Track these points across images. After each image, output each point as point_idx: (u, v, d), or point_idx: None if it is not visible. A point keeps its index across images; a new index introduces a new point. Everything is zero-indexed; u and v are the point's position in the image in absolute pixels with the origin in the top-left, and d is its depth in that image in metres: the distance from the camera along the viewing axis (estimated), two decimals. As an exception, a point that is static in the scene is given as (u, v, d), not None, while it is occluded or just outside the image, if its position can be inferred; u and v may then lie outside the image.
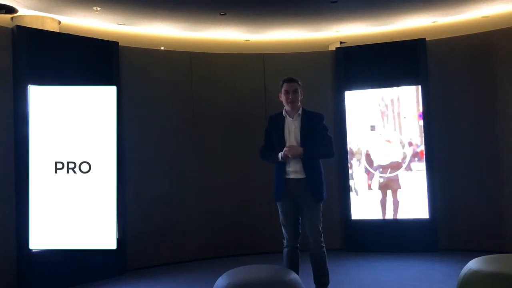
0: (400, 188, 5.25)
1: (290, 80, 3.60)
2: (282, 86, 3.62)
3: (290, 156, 3.48)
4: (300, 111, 3.62)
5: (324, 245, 3.62)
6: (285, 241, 3.67)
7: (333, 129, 5.11)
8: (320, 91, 5.48)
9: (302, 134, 3.56)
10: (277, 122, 3.65)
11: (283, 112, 3.65)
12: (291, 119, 3.61)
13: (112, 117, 4.29)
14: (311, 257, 3.64)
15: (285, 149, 3.49)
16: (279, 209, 3.67)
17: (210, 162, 5.35)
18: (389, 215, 5.27)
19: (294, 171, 3.55)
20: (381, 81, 5.38)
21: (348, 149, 5.39)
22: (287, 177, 3.57)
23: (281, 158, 3.51)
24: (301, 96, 3.63)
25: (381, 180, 5.31)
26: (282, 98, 3.62)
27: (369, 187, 5.34)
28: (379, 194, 5.30)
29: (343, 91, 5.46)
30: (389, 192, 5.28)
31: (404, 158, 5.29)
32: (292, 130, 3.59)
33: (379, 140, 5.35)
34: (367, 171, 5.35)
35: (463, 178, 5.22)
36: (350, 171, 5.39)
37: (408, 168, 5.28)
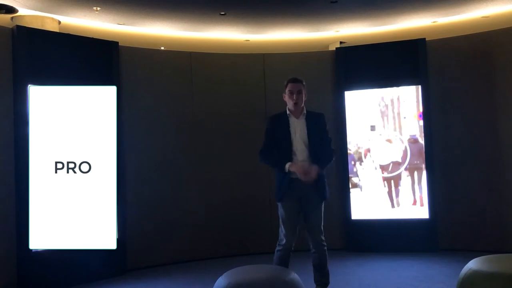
0: (400, 179, 5.28)
1: (295, 81, 3.57)
2: (286, 86, 3.58)
3: (306, 179, 3.39)
4: (304, 112, 3.60)
5: (325, 244, 3.61)
6: (282, 243, 3.56)
7: (333, 129, 5.12)
8: (320, 91, 5.48)
9: (309, 135, 3.53)
10: (281, 122, 3.58)
11: (287, 112, 3.60)
12: (296, 119, 3.57)
13: (112, 117, 4.29)
14: (313, 256, 3.62)
15: (301, 171, 3.40)
16: (281, 210, 3.57)
17: (210, 162, 5.35)
18: (396, 204, 5.28)
19: None
20: (381, 81, 5.38)
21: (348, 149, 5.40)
22: (293, 177, 3.50)
23: (288, 170, 3.44)
24: (305, 97, 3.60)
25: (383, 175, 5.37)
26: (286, 98, 3.59)
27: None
28: (386, 187, 5.32)
29: (343, 91, 5.46)
30: (392, 182, 5.32)
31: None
32: (298, 130, 3.55)
33: (379, 140, 5.35)
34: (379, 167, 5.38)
35: (463, 178, 5.22)
36: (354, 169, 5.39)
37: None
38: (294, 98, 3.53)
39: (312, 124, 3.57)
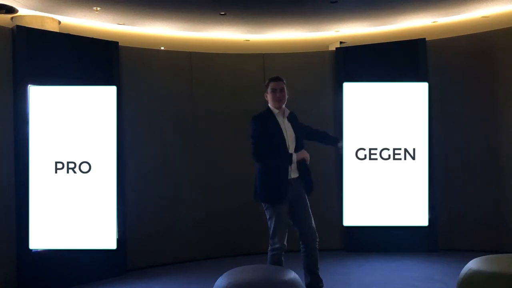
0: None
1: (277, 79, 3.63)
2: (268, 85, 3.65)
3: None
4: (288, 111, 3.67)
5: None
6: (276, 246, 3.51)
7: (333, 128, 5.12)
8: (320, 91, 5.48)
9: (296, 132, 3.62)
10: (269, 121, 3.60)
11: (273, 111, 3.62)
12: (282, 118, 3.61)
13: (112, 117, 4.32)
14: (307, 257, 3.60)
15: (304, 156, 3.55)
16: (276, 214, 3.51)
17: (210, 162, 5.35)
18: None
19: (293, 170, 3.55)
20: (381, 81, 5.37)
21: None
22: (290, 178, 3.52)
23: (297, 160, 3.54)
24: (287, 95, 3.64)
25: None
26: (269, 97, 3.64)
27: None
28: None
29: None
30: None
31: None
32: (287, 128, 3.60)
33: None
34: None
35: (463, 178, 5.21)
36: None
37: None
38: (278, 96, 3.57)
39: (293, 122, 3.66)
